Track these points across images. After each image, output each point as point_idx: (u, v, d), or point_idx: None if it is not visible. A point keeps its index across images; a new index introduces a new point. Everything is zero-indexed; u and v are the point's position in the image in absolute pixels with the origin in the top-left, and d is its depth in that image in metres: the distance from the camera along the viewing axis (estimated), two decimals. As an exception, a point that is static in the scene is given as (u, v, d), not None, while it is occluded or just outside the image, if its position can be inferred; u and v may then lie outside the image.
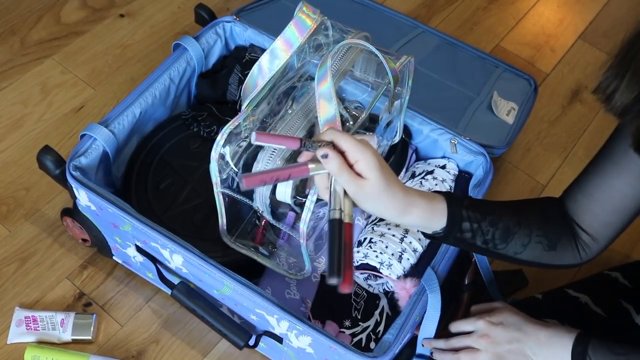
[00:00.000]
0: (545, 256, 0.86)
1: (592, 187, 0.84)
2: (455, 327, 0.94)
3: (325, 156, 0.72)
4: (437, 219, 0.81)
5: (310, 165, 0.75)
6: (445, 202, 0.81)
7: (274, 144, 0.78)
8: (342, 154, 0.73)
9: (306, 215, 0.91)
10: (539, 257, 0.86)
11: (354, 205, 0.76)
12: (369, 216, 1.15)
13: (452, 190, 1.16)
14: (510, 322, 0.88)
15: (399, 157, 1.18)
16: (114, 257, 1.16)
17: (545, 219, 0.86)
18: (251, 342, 1.01)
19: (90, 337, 1.08)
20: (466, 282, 1.15)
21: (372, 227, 1.10)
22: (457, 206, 0.82)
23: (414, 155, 1.22)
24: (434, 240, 0.87)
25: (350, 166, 0.74)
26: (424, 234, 0.85)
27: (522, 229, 0.84)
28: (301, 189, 0.97)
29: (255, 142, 0.73)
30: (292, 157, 0.98)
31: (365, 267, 1.08)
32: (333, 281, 0.68)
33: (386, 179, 0.74)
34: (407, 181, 1.17)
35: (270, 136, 0.75)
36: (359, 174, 0.74)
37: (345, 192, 0.75)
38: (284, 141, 0.75)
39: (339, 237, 0.72)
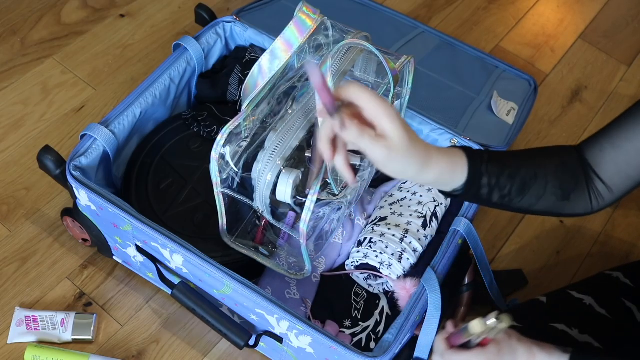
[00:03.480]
0: (558, 206, 0.86)
1: (622, 138, 0.83)
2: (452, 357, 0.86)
3: (342, 125, 0.68)
4: (457, 174, 0.79)
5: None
6: (465, 157, 0.79)
7: (317, 89, 0.69)
8: (356, 115, 0.70)
9: (306, 215, 0.91)
10: (551, 208, 0.86)
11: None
12: (369, 216, 1.15)
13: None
14: (505, 352, 0.84)
15: (399, 157, 1.18)
16: (114, 257, 1.16)
17: (562, 168, 0.85)
18: (251, 342, 1.01)
19: (90, 337, 1.08)
20: (466, 282, 1.15)
21: (372, 227, 1.10)
22: (477, 160, 0.80)
23: (414, 155, 1.22)
24: (452, 197, 0.84)
25: (368, 124, 0.70)
26: (442, 192, 0.83)
27: (538, 181, 0.83)
28: (301, 188, 0.97)
29: (310, 73, 0.66)
30: (292, 157, 0.98)
31: (365, 267, 1.08)
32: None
33: (409, 135, 0.71)
34: (407, 181, 1.17)
35: (323, 82, 0.68)
36: (379, 134, 0.70)
37: None
38: (323, 96, 0.69)
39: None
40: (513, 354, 0.83)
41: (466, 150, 0.80)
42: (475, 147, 1.14)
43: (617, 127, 0.84)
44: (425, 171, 0.75)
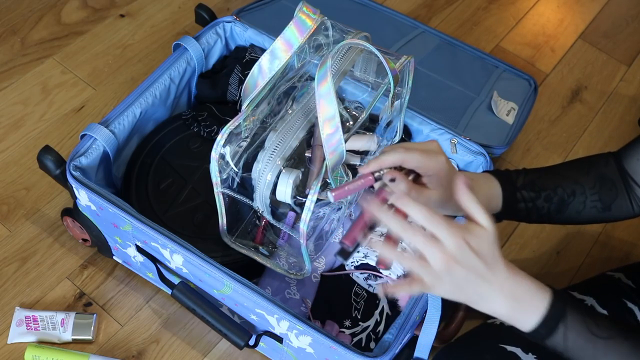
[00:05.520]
0: (600, 216, 0.87)
1: None
2: (421, 216, 0.67)
3: (392, 180, 0.72)
4: (492, 204, 0.81)
5: (388, 189, 0.75)
6: (500, 186, 0.81)
7: (351, 193, 0.78)
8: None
9: (306, 215, 0.91)
10: (594, 218, 0.87)
11: None
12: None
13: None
14: (484, 254, 0.69)
15: (399, 157, 1.18)
16: (114, 257, 1.16)
17: (600, 181, 0.86)
18: (251, 342, 1.01)
19: (90, 337, 1.08)
20: (466, 282, 1.14)
21: (372, 227, 1.10)
22: (511, 187, 0.82)
23: (414, 155, 1.22)
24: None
25: (418, 176, 0.74)
26: None
27: (577, 198, 0.84)
28: (301, 188, 0.97)
29: (334, 201, 0.76)
30: (292, 157, 0.98)
31: (365, 267, 1.08)
32: (339, 258, 0.73)
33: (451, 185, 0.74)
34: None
35: (344, 187, 0.76)
36: (425, 184, 0.74)
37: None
38: (359, 184, 0.77)
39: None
40: (493, 255, 0.70)
41: (499, 176, 0.82)
42: (476, 147, 1.14)
43: None
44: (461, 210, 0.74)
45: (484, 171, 0.85)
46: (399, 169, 0.77)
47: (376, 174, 0.76)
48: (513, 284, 0.69)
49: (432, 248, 0.66)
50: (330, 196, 0.75)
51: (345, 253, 0.72)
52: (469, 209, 0.69)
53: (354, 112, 1.10)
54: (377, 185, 0.77)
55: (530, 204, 0.83)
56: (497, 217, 0.84)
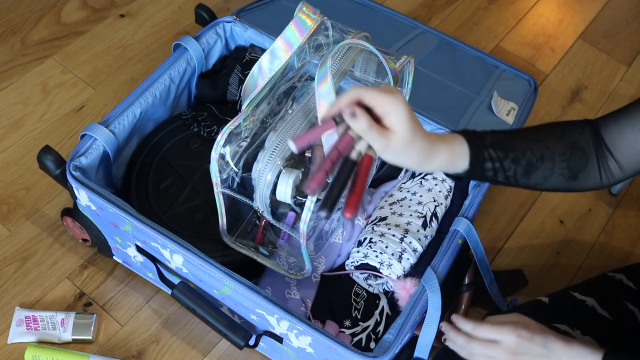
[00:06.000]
0: (566, 185, 0.86)
1: None
2: (482, 331, 0.87)
3: (353, 114, 0.70)
4: (459, 162, 0.80)
5: (351, 133, 0.73)
6: (467, 144, 0.80)
7: (313, 139, 0.75)
8: (368, 109, 0.72)
9: (306, 215, 0.91)
10: (559, 186, 0.86)
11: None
12: (369, 216, 1.15)
13: (453, 182, 1.15)
14: (537, 340, 0.84)
15: (399, 157, 1.18)
16: (114, 257, 1.16)
17: (571, 148, 0.84)
18: (251, 342, 1.01)
19: (90, 337, 1.08)
20: (466, 282, 1.15)
21: (372, 227, 1.10)
22: (479, 147, 0.81)
23: (414, 155, 1.22)
24: (456, 179, 0.85)
25: (378, 120, 0.72)
26: (446, 173, 0.84)
27: (545, 163, 0.83)
28: (301, 188, 0.97)
29: (296, 150, 0.72)
30: (292, 157, 0.98)
31: (365, 267, 1.08)
32: (322, 214, 0.68)
33: (413, 130, 0.73)
34: (407, 181, 1.17)
35: (306, 135, 0.74)
36: (386, 127, 0.72)
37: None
38: (321, 129, 0.74)
39: (347, 176, 0.72)
40: (544, 336, 0.84)
41: (467, 135, 0.81)
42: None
43: (639, 110, 0.84)
44: (426, 163, 0.77)
45: (451, 131, 0.83)
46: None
47: (337, 118, 0.73)
48: (569, 352, 0.82)
49: (495, 350, 0.84)
50: (292, 144, 0.72)
51: (326, 206, 0.69)
52: (494, 332, 0.85)
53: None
54: (340, 130, 0.74)
55: (497, 163, 0.82)
56: (464, 177, 0.83)
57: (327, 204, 0.69)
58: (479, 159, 0.80)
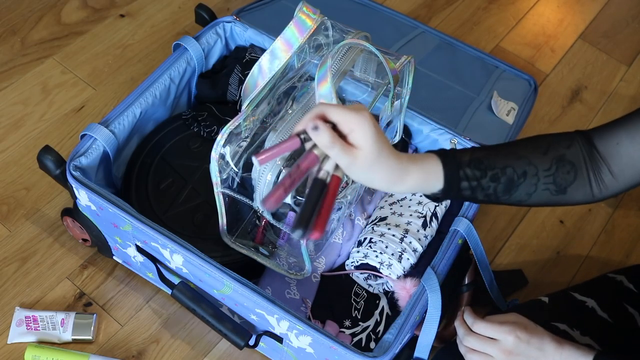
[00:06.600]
0: (553, 199, 0.83)
1: None
2: (480, 328, 0.89)
3: (315, 128, 0.69)
4: (433, 182, 0.78)
5: (317, 151, 0.71)
6: (441, 165, 0.78)
7: (277, 156, 0.74)
8: (334, 126, 0.70)
9: (306, 215, 0.90)
10: (546, 201, 0.83)
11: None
12: (369, 216, 1.15)
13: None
14: (534, 341, 0.86)
15: (399, 157, 1.18)
16: (114, 257, 1.16)
17: (557, 163, 0.82)
18: (251, 342, 1.01)
19: (90, 337, 1.08)
20: (466, 282, 1.15)
21: (372, 227, 1.10)
22: (454, 166, 0.78)
23: (414, 155, 1.22)
24: (433, 200, 0.83)
25: (344, 137, 0.70)
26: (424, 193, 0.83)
27: (528, 179, 0.81)
28: (301, 188, 0.97)
29: (259, 166, 0.70)
30: (292, 157, 0.98)
31: (365, 267, 1.08)
32: (296, 235, 0.66)
33: (379, 148, 0.71)
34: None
35: (269, 151, 0.72)
36: (352, 144, 0.70)
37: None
38: (285, 146, 0.73)
39: (317, 196, 0.70)
40: (540, 338, 0.86)
41: (442, 156, 0.79)
42: (472, 145, 1.14)
43: (637, 120, 0.81)
44: (397, 184, 0.75)
45: (427, 151, 0.81)
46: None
47: (302, 136, 0.72)
48: (561, 354, 0.85)
49: (493, 348, 0.87)
50: (255, 161, 0.71)
51: (300, 226, 0.67)
52: (493, 331, 0.88)
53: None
54: (307, 145, 0.73)
55: (474, 182, 0.79)
56: (440, 197, 0.81)
57: (301, 224, 0.67)
58: (454, 179, 0.78)
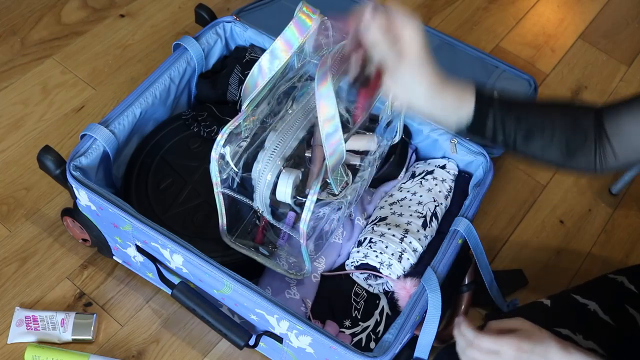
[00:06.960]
0: (561, 160, 0.87)
1: None
2: (482, 341, 0.86)
3: (375, 9, 0.72)
4: (463, 110, 0.81)
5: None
6: (474, 97, 0.81)
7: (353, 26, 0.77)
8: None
9: (306, 215, 0.91)
10: (555, 160, 0.87)
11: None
12: (369, 216, 1.15)
13: (453, 182, 1.16)
14: (538, 351, 0.84)
15: (398, 157, 1.18)
16: (114, 257, 1.16)
17: (572, 126, 0.85)
18: (251, 342, 1.01)
19: (90, 337, 1.08)
20: (466, 282, 1.15)
21: (372, 227, 1.10)
22: (485, 101, 0.82)
23: (414, 155, 1.22)
24: (458, 133, 0.86)
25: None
26: (447, 126, 0.86)
27: (545, 132, 0.84)
28: (301, 188, 0.97)
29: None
30: (292, 157, 0.98)
31: (365, 267, 1.08)
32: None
33: (427, 54, 0.75)
34: (407, 181, 1.17)
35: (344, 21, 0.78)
36: (401, 44, 0.74)
37: None
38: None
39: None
40: (545, 346, 0.84)
41: (478, 88, 0.82)
42: (476, 147, 1.14)
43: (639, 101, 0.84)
44: (435, 98, 0.78)
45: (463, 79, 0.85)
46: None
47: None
48: (566, 357, 0.83)
49: None
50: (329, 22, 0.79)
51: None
52: (495, 344, 0.84)
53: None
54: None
55: (499, 124, 0.83)
56: (462, 133, 0.84)
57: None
58: (482, 113, 0.81)
